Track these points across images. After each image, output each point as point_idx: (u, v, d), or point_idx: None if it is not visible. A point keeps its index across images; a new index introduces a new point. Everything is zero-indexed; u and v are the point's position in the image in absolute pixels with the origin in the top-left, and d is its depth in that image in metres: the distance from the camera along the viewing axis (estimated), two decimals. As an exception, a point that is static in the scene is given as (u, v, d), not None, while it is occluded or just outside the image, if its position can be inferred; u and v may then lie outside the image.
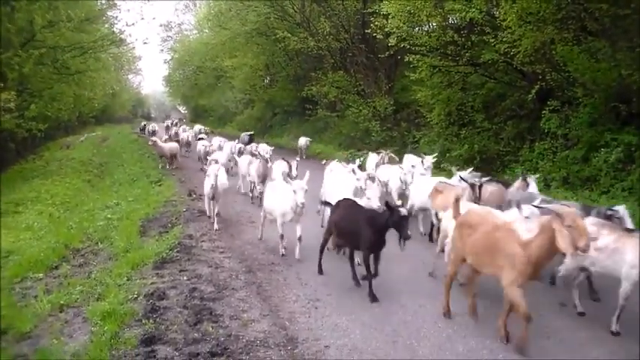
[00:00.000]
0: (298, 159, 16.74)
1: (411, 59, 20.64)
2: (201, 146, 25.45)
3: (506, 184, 12.46)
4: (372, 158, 18.37)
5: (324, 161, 17.27)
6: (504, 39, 16.78)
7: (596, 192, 14.53)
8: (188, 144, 31.86)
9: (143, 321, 7.72)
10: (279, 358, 6.85)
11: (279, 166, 16.05)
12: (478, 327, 7.63)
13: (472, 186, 10.99)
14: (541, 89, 16.90)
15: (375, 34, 22.50)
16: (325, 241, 10.26)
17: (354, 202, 9.95)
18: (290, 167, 15.09)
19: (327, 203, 10.70)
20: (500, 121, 20.26)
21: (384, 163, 16.92)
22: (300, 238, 11.18)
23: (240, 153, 22.09)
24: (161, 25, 65.52)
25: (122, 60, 57.48)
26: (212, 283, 9.54)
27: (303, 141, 29.42)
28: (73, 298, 8.95)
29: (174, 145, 27.35)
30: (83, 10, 29.94)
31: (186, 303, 8.48)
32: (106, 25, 37.36)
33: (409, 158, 16.54)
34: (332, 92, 31.62)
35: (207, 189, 13.97)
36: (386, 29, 20.83)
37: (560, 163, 16.22)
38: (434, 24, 20.75)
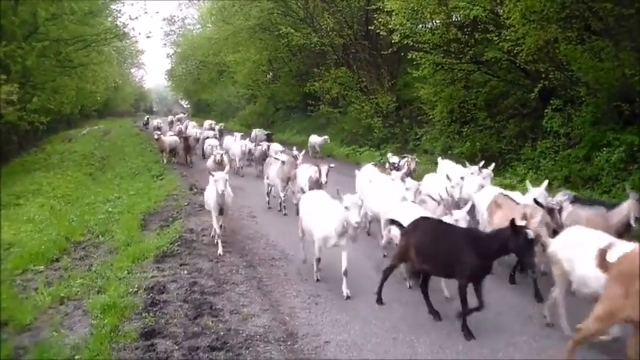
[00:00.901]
0: (332, 165, 13.94)
1: (413, 56, 20.63)
2: (207, 146, 24.04)
3: (608, 205, 9.63)
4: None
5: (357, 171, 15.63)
6: (508, 37, 16.75)
7: (598, 191, 14.51)
8: (197, 140, 27.95)
9: (143, 314, 7.73)
10: (278, 353, 6.85)
11: (305, 172, 14.08)
12: (479, 325, 7.63)
13: (550, 211, 8.49)
14: (544, 88, 16.86)
15: (378, 31, 22.48)
16: (392, 269, 8.56)
17: (442, 221, 8.32)
18: (320, 173, 13.14)
19: (394, 222, 8.63)
20: (502, 120, 20.25)
21: (409, 170, 14.68)
22: (346, 272, 8.86)
23: (251, 153, 21.85)
24: (164, 19, 65.54)
25: (125, 53, 57.58)
26: (212, 278, 9.56)
27: (315, 139, 27.29)
28: (74, 290, 8.97)
29: (173, 139, 26.44)
30: (86, 3, 29.97)
31: (187, 297, 8.50)
32: (110, 19, 37.40)
33: (448, 165, 14.70)
34: (334, 88, 31.59)
35: (211, 201, 11.17)
36: (389, 26, 20.82)
37: (561, 162, 16.19)
38: (437, 21, 20.73)
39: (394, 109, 27.09)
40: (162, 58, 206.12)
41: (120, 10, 36.86)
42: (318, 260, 9.55)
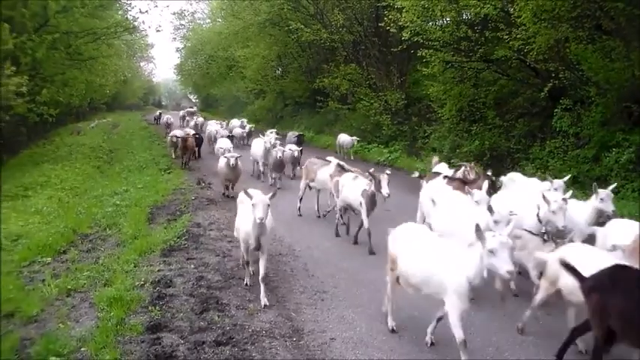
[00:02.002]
0: (389, 172, 11.27)
1: (423, 54, 20.57)
2: (219, 147, 20.48)
3: None
4: (443, 169, 14.24)
5: (415, 173, 14.44)
6: (518, 36, 16.68)
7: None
8: (215, 140, 25.29)
9: (149, 308, 7.75)
10: (284, 349, 6.87)
11: (353, 182, 11.79)
12: (485, 324, 7.61)
13: None
14: (553, 87, 16.79)
15: (388, 28, 22.39)
16: (569, 342, 6.58)
17: None
18: (378, 183, 10.71)
19: (570, 269, 6.15)
20: (511, 119, 20.18)
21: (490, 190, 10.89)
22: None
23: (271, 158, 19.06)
24: (174, 14, 65.45)
25: (134, 47, 57.71)
26: (219, 272, 9.57)
27: (344, 139, 25.22)
28: (80, 283, 8.97)
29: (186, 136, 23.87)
30: (97, -4, 30.03)
31: (193, 291, 8.51)
32: (120, 12, 37.44)
33: (521, 180, 12.54)
34: (344, 85, 31.51)
35: (244, 231, 8.63)
36: (399, 23, 20.73)
37: (570, 162, 16.14)
38: (448, 19, 20.62)
39: (403, 107, 27.02)
40: (171, 52, 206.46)
41: (130, 3, 37.14)
42: (437, 321, 7.14)
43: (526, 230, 8.57)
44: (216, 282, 9.04)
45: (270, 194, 8.26)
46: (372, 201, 11.14)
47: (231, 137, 25.49)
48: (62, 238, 11.82)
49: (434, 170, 14.33)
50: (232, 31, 41.68)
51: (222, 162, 16.41)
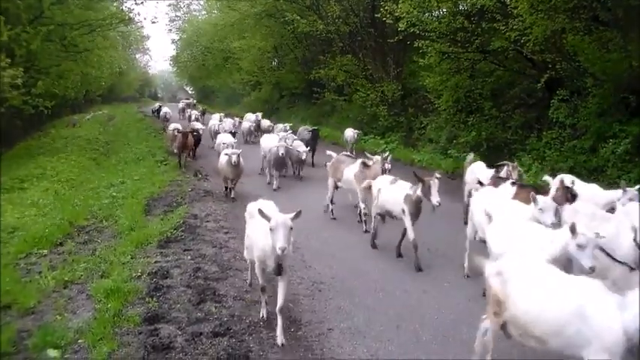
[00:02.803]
0: (439, 175, 9.60)
1: (420, 45, 20.49)
2: (219, 142, 19.24)
3: None
4: (480, 169, 12.50)
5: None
6: (515, 27, 16.64)
7: (603, 183, 14.43)
8: (217, 134, 23.85)
9: (147, 299, 7.75)
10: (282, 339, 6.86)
11: (391, 186, 10.40)
12: (482, 314, 7.62)
13: None
14: (550, 78, 16.78)
15: (384, 19, 22.31)
16: None
17: None
18: (427, 189, 9.18)
19: None
20: (508, 110, 20.17)
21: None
22: None
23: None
24: (170, 5, 65.05)
25: (130, 39, 57.64)
26: (216, 263, 9.58)
27: (350, 133, 23.98)
28: (77, 274, 8.97)
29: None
30: (92, -13, 29.94)
31: (190, 282, 8.51)
32: (115, 3, 37.21)
33: (586, 190, 10.13)
34: (340, 76, 31.46)
35: (260, 249, 7.06)
36: (395, 14, 20.66)
37: (567, 152, 16.14)
38: (444, 10, 20.55)
39: (399, 98, 26.98)
40: (167, 44, 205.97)
41: (125, -6, 36.70)
42: None
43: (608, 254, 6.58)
44: (213, 273, 9.05)
45: (293, 214, 6.59)
46: (416, 208, 9.70)
47: (233, 133, 23.66)
48: (58, 230, 11.81)
49: (468, 169, 12.75)
50: (228, 23, 41.56)
51: (222, 159, 15.58)
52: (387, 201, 10.30)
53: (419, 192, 9.43)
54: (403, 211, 9.82)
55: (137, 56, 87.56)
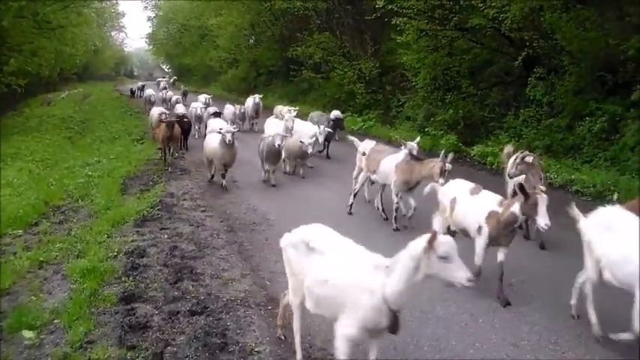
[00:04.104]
0: (543, 188, 7.20)
1: (397, 22, 20.44)
2: (211, 130, 16.21)
3: None
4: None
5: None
6: (493, 4, 16.64)
7: (579, 161, 14.60)
8: (199, 120, 22.40)
9: (123, 279, 7.69)
10: (259, 317, 6.84)
11: (483, 200, 7.69)
12: (457, 293, 7.65)
13: None
14: (528, 56, 16.83)
15: (362, -4, 22.28)
16: None
17: None
18: (532, 206, 6.77)
19: None
20: (485, 87, 20.22)
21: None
22: None
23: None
24: (145, -19, 64.57)
25: (105, 16, 56.96)
26: (193, 242, 9.52)
27: (338, 115, 20.31)
28: (53, 255, 8.87)
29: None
30: (64, -38, 29.45)
31: (167, 261, 8.45)
32: (89, -21, 36.82)
33: None
34: (317, 53, 31.35)
35: (367, 300, 4.71)
36: (373, -10, 20.62)
37: (544, 130, 16.24)
38: (422, -14, 20.53)
39: (377, 75, 26.94)
40: (143, 21, 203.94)
41: (99, -30, 36.25)
42: None
43: None
44: (190, 252, 9.00)
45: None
46: (506, 230, 7.28)
47: (218, 114, 21.45)
48: (33, 210, 11.69)
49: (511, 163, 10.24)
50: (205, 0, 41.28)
51: (213, 140, 14.01)
52: (465, 216, 7.79)
53: (516, 209, 7.01)
54: (479, 229, 7.44)
55: (112, 34, 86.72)
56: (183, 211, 11.47)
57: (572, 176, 13.45)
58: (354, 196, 11.72)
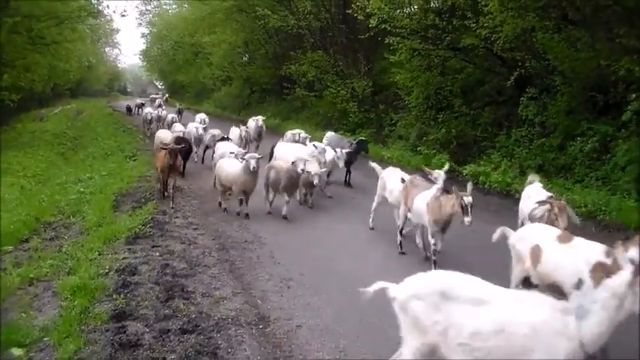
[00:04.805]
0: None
1: (391, 41, 20.52)
2: (221, 154, 15.38)
3: None
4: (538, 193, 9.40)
5: None
6: (485, 24, 16.76)
7: (571, 181, 14.63)
8: (199, 142, 20.50)
9: (114, 296, 7.67)
10: (250, 336, 6.84)
11: (583, 250, 6.51)
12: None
13: None
14: (520, 76, 16.92)
15: (355, 15, 22.35)
16: None
17: None
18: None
19: None
20: (478, 107, 20.30)
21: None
22: None
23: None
24: (140, -2, 64.77)
25: (99, 32, 57.01)
26: (184, 260, 9.51)
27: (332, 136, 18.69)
28: (43, 271, 8.85)
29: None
30: (60, -21, 29.52)
31: (158, 279, 8.44)
32: (84, -5, 36.86)
33: None
34: (310, 72, 31.40)
35: None
36: (367, 10, 20.71)
37: (536, 150, 16.29)
38: (415, 6, 20.65)
39: (370, 94, 26.99)
40: (137, 37, 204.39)
41: (94, -13, 36.28)
42: None
43: None
44: (181, 270, 8.98)
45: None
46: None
47: (226, 138, 18.69)
48: (24, 226, 11.66)
49: (525, 192, 9.91)
50: (199, 17, 41.37)
51: (231, 165, 13.19)
52: (558, 268, 6.45)
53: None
54: (579, 284, 6.07)
55: (106, 50, 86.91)
56: (175, 229, 11.46)
57: (564, 196, 13.47)
58: (400, 232, 10.55)
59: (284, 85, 35.20)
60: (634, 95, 13.39)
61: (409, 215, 10.04)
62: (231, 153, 14.38)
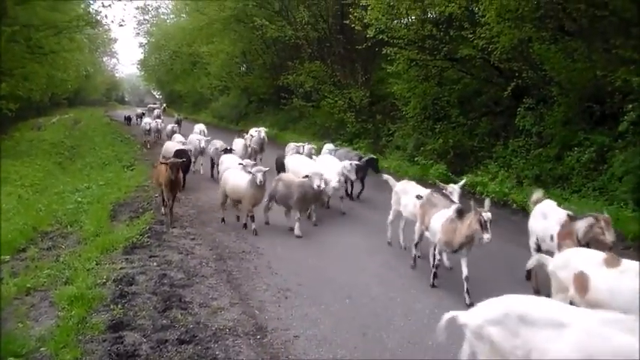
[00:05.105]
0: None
1: (388, 52, 20.56)
2: (227, 168, 14.68)
3: None
4: (553, 212, 8.98)
5: None
6: (482, 35, 16.81)
7: (568, 191, 14.64)
8: (201, 153, 20.14)
9: (111, 306, 7.67)
10: (247, 346, 6.84)
11: (590, 257, 6.53)
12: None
13: None
14: (517, 87, 16.96)
15: (353, 25, 22.41)
16: None
17: None
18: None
19: None
20: (475, 117, 20.31)
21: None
22: None
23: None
24: (138, 8, 64.91)
25: (97, 42, 57.09)
26: (182, 270, 9.51)
27: (331, 148, 17.97)
28: (40, 281, 8.85)
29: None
30: (58, -12, 29.61)
31: (156, 289, 8.44)
32: (82, 5, 36.90)
33: None
34: (308, 82, 31.43)
35: None
36: (364, 21, 20.78)
37: (533, 160, 16.30)
38: (413, 17, 20.68)
39: (367, 104, 27.01)
40: (135, 47, 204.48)
41: (92, -4, 36.36)
42: None
43: None
44: (179, 280, 8.98)
45: None
46: None
47: (229, 150, 18.21)
48: (21, 236, 11.66)
49: (536, 211, 9.31)
50: (196, 27, 41.36)
51: (238, 178, 12.68)
52: (614, 296, 5.97)
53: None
54: None
55: (104, 59, 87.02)
56: (172, 239, 11.46)
57: (561, 206, 13.49)
58: (416, 246, 10.03)
59: (281, 95, 35.24)
60: (630, 106, 13.42)
61: (427, 234, 9.45)
62: (239, 164, 13.63)
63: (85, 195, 16.26)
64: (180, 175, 13.66)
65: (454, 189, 10.36)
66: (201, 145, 19.76)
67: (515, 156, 17.07)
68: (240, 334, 7.11)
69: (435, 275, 9.09)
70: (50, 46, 30.39)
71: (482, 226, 7.76)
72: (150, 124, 29.91)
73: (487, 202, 8.36)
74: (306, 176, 12.27)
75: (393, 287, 9.11)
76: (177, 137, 22.08)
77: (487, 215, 7.81)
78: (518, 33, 16.01)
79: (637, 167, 12.89)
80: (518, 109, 17.23)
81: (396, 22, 20.91)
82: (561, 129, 15.94)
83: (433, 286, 9.03)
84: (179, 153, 16.33)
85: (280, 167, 15.82)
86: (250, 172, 12.34)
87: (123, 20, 54.80)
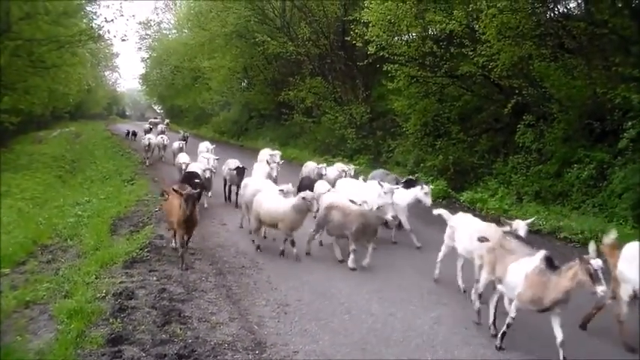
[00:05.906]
0: None
1: (389, 68, 20.67)
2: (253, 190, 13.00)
3: None
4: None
5: None
6: (483, 52, 16.91)
7: (568, 207, 14.67)
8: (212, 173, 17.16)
9: (110, 320, 7.65)
10: (246, 362, 6.81)
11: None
12: (447, 338, 7.64)
13: None
14: (517, 104, 17.03)
15: (354, 42, 22.58)
16: None
17: None
18: None
19: None
20: (475, 134, 20.36)
21: None
22: None
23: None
24: (140, 23, 65.21)
25: (99, 56, 57.20)
26: (182, 285, 9.49)
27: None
28: (40, 294, 8.82)
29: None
30: (61, 3, 29.59)
31: (155, 303, 8.42)
32: (85, 20, 36.94)
33: None
34: (309, 98, 31.59)
35: None
36: (365, 37, 20.91)
37: (533, 177, 16.34)
38: (413, 34, 20.80)
39: (368, 121, 27.12)
40: (136, 62, 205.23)
41: (95, 12, 36.62)
42: None
43: None
44: (178, 294, 8.96)
45: None
46: None
47: (242, 169, 16.47)
48: (21, 249, 11.64)
49: (624, 258, 7.69)
50: (198, 42, 41.59)
51: (280, 203, 11.68)
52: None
53: None
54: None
55: (106, 73, 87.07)
56: (172, 254, 11.42)
57: (561, 223, 13.51)
58: (479, 297, 8.27)
59: (282, 110, 35.40)
60: (630, 123, 13.50)
61: (500, 287, 7.66)
62: (280, 190, 12.22)
63: (85, 209, 16.24)
64: (197, 209, 10.84)
65: (520, 226, 8.85)
66: (213, 165, 17.88)
67: (515, 172, 17.12)
68: (239, 349, 7.09)
69: (504, 335, 7.42)
70: (52, 60, 30.40)
71: (593, 277, 6.36)
72: (150, 139, 27.91)
73: (592, 247, 6.73)
74: (361, 202, 11.11)
75: (391, 303, 9.10)
76: (183, 157, 19.94)
77: (597, 263, 6.44)
78: (518, 50, 16.12)
79: (637, 184, 12.94)
80: (519, 125, 17.31)
81: (396, 38, 21.06)
82: (561, 146, 15.99)
83: (500, 348, 7.40)
84: (189, 177, 14.92)
85: (305, 189, 12.74)
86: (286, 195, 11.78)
87: (125, 35, 55.04)
